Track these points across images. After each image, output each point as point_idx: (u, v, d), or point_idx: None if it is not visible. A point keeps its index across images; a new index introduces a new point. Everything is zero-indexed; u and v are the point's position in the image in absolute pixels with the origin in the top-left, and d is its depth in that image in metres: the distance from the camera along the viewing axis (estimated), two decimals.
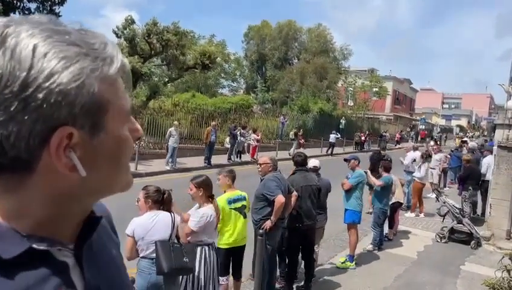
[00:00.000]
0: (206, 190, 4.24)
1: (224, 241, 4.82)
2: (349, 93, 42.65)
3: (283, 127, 25.39)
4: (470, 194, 9.86)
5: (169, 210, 3.94)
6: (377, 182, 7.57)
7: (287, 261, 5.83)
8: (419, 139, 41.32)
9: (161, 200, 3.93)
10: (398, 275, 6.68)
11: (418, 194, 10.91)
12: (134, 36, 20.18)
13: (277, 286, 5.75)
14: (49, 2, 16.06)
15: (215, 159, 16.14)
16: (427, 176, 11.50)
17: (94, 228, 0.71)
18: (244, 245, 5.06)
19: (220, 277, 4.62)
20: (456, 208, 8.76)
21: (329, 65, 38.90)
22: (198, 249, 4.19)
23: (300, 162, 5.88)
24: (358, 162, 7.17)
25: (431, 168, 12.23)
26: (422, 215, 10.81)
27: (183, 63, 21.32)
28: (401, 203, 9.05)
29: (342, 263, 6.78)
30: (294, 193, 5.36)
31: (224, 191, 4.91)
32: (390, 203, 8.16)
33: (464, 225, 8.55)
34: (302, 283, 5.85)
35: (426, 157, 11.49)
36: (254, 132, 19.71)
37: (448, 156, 15.76)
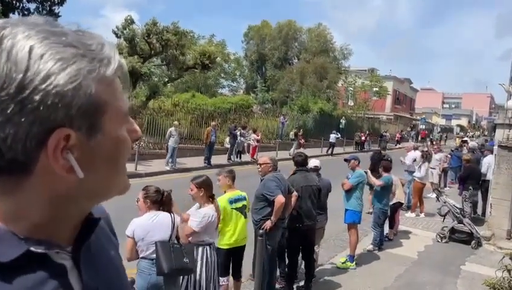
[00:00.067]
0: (207, 190, 4.24)
1: (226, 241, 4.81)
2: (350, 93, 42.67)
3: (283, 127, 25.40)
4: (470, 194, 9.85)
5: (169, 211, 3.93)
6: (376, 182, 7.56)
7: (287, 261, 5.83)
8: (419, 139, 41.34)
9: (160, 201, 3.92)
10: (399, 275, 6.67)
11: (418, 194, 10.91)
12: (134, 36, 20.19)
13: (277, 286, 5.75)
14: (49, 2, 16.07)
15: (215, 159, 16.14)
16: (427, 175, 11.49)
17: (92, 229, 0.70)
18: (245, 245, 5.05)
19: (220, 278, 4.61)
20: (457, 208, 8.75)
21: (329, 65, 38.91)
22: (200, 249, 4.19)
23: (301, 162, 5.87)
24: (359, 162, 7.17)
25: (431, 168, 12.23)
26: (422, 215, 10.80)
27: (182, 63, 21.33)
28: (402, 203, 9.05)
29: (343, 263, 6.78)
30: (295, 193, 5.35)
31: (224, 192, 4.91)
32: (392, 203, 8.16)
33: (464, 224, 8.54)
34: (303, 283, 5.85)
35: (426, 157, 11.49)
36: (254, 132, 19.71)
37: (449, 155, 15.76)
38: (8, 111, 0.55)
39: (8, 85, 0.55)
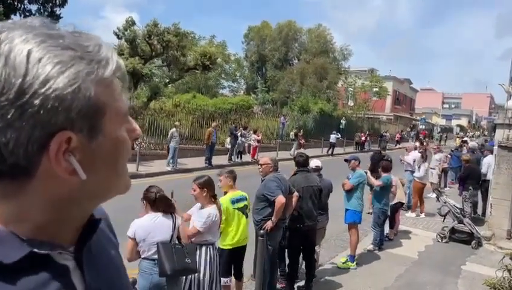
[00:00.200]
0: (209, 190, 4.25)
1: (228, 241, 4.83)
2: (350, 93, 42.67)
3: (283, 127, 25.41)
4: (471, 194, 9.87)
5: (164, 211, 3.92)
6: (376, 182, 7.58)
7: (287, 261, 5.85)
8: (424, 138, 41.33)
9: (153, 201, 3.92)
10: (399, 275, 6.69)
11: (418, 194, 10.93)
12: (135, 37, 20.21)
13: (278, 286, 5.76)
14: (50, 4, 16.09)
15: (216, 160, 16.15)
16: (427, 175, 11.51)
17: (94, 230, 0.71)
18: (246, 245, 5.07)
19: (222, 278, 4.63)
20: (457, 208, 8.77)
21: (329, 65, 38.93)
22: (203, 248, 4.20)
23: (302, 163, 5.88)
24: (359, 163, 7.18)
25: (431, 168, 12.25)
26: (422, 215, 10.81)
27: (183, 64, 21.35)
28: (403, 203, 9.07)
29: (343, 263, 6.79)
30: (296, 194, 5.37)
31: (225, 192, 4.93)
32: (392, 203, 8.18)
33: (464, 224, 8.56)
34: (303, 283, 5.86)
35: (425, 157, 11.51)
36: (254, 132, 19.73)
37: (449, 156, 15.77)
38: (9, 116, 0.55)
39: (8, 90, 0.55)
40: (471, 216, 9.19)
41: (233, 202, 4.82)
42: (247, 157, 18.67)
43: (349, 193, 6.84)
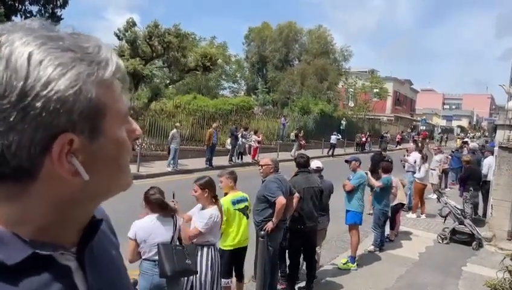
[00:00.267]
0: (210, 191, 4.25)
1: (229, 242, 4.83)
2: (350, 94, 42.67)
3: (284, 128, 25.43)
4: (471, 195, 9.86)
5: (154, 211, 3.90)
6: (376, 183, 7.58)
7: (288, 262, 5.85)
8: (419, 140, 41.28)
9: (152, 203, 3.91)
10: (400, 276, 6.69)
11: (419, 195, 10.92)
12: (135, 38, 20.25)
13: (279, 287, 5.75)
14: (51, 5, 16.11)
15: (216, 161, 16.16)
16: (428, 176, 11.51)
17: (95, 231, 0.71)
18: (246, 246, 5.07)
19: (223, 279, 4.63)
20: (458, 209, 8.76)
21: (329, 66, 38.95)
22: (205, 249, 4.20)
23: (303, 164, 5.89)
24: (360, 164, 7.19)
25: (431, 169, 12.25)
26: (423, 216, 10.81)
27: (184, 65, 21.37)
28: (404, 204, 9.06)
29: (344, 264, 6.79)
30: (296, 195, 5.37)
31: (225, 193, 4.93)
32: (393, 204, 8.18)
33: (465, 225, 8.55)
34: (304, 284, 5.86)
35: (426, 157, 11.51)
36: (255, 133, 19.74)
37: (449, 156, 15.76)
38: (11, 119, 0.55)
39: (10, 93, 0.55)
40: (472, 217, 9.19)
41: (234, 203, 4.82)
42: (247, 158, 18.67)
43: (350, 194, 6.84)
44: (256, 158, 18.12)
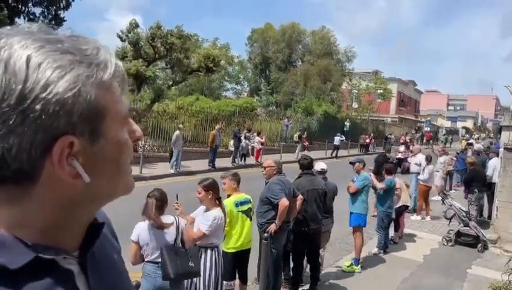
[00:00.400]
0: (214, 193, 4.25)
1: (232, 245, 4.81)
2: (354, 95, 42.60)
3: (287, 129, 25.41)
4: (476, 197, 9.80)
5: (147, 215, 3.86)
6: (379, 185, 7.53)
7: (292, 264, 5.81)
8: (424, 141, 41.19)
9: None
10: (404, 279, 6.64)
11: (423, 197, 10.86)
12: (138, 40, 20.30)
13: (282, 289, 5.72)
14: (54, 7, 16.16)
15: (219, 162, 16.15)
16: (432, 178, 11.44)
17: (98, 234, 0.71)
18: (250, 248, 5.05)
19: (225, 281, 4.61)
20: (463, 211, 8.70)
21: (333, 67, 38.85)
22: (209, 251, 4.21)
23: (306, 165, 5.86)
24: (364, 165, 7.14)
25: (435, 171, 12.18)
26: (428, 218, 10.74)
27: (187, 66, 21.41)
28: (408, 206, 9.00)
29: (348, 266, 6.75)
30: (300, 197, 5.34)
31: (228, 195, 4.91)
32: (397, 206, 8.13)
33: (470, 228, 8.49)
34: (308, 287, 5.83)
35: (430, 159, 11.45)
36: (258, 134, 19.73)
37: (454, 158, 15.67)
38: (11, 122, 0.55)
39: (9, 96, 0.55)
40: (477, 219, 9.13)
41: (237, 204, 4.80)
42: (250, 160, 18.67)
43: (354, 196, 6.80)
44: (259, 160, 18.12)
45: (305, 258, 5.84)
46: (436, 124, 60.45)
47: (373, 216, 8.56)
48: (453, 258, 7.82)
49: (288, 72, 40.04)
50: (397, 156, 18.19)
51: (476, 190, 10.20)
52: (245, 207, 4.87)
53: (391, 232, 8.29)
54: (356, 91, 41.99)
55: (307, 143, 23.90)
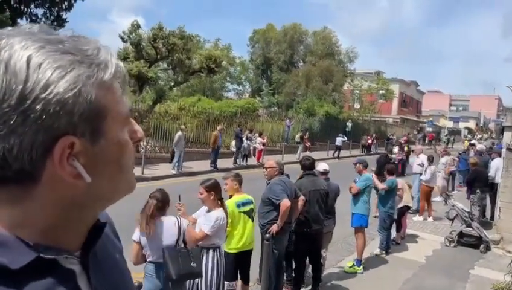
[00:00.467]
0: (216, 193, 4.25)
1: (234, 245, 4.81)
2: (356, 96, 42.56)
3: (289, 130, 25.39)
4: (479, 197, 9.77)
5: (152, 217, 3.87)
6: (380, 186, 7.52)
7: (294, 265, 5.80)
8: (426, 141, 41.11)
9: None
10: (407, 280, 6.62)
11: (425, 198, 10.83)
12: (140, 41, 20.34)
13: None
14: (56, 8, 16.19)
15: (221, 163, 16.15)
16: (434, 179, 11.42)
17: (99, 234, 0.71)
18: (252, 249, 5.04)
19: (226, 282, 4.61)
20: (465, 211, 8.68)
21: (335, 68, 38.81)
22: (210, 251, 4.21)
23: (308, 166, 5.85)
24: (367, 166, 7.13)
25: (437, 171, 12.15)
26: (430, 218, 10.72)
27: (188, 67, 21.43)
28: (409, 207, 8.98)
29: (350, 267, 6.74)
30: (302, 197, 5.33)
31: (230, 196, 4.91)
32: (399, 207, 8.11)
33: (472, 228, 8.47)
34: (310, 288, 5.82)
35: (432, 159, 11.43)
36: (260, 135, 19.72)
37: (457, 159, 15.64)
38: (12, 122, 0.55)
39: (9, 97, 0.55)
40: (480, 220, 9.10)
41: (239, 205, 4.80)
42: (252, 161, 18.65)
43: (356, 196, 6.79)
44: (261, 160, 18.11)
45: (307, 258, 5.83)
46: (439, 124, 60.35)
47: (375, 217, 8.54)
48: (455, 259, 7.80)
49: (290, 73, 40.00)
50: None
51: (478, 191, 10.17)
52: (247, 208, 4.87)
53: (393, 233, 8.27)
54: (358, 92, 41.96)
55: (308, 144, 23.86)
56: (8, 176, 0.58)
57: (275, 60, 41.43)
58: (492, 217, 10.76)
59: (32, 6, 15.69)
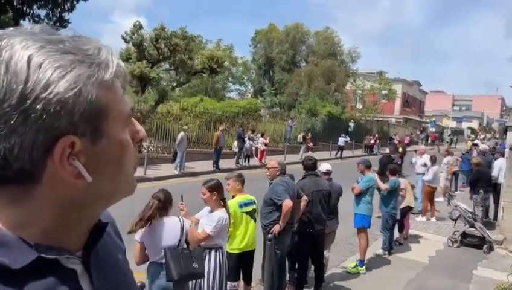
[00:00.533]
0: (218, 194, 4.24)
1: (236, 245, 4.80)
2: (358, 96, 42.52)
3: (291, 130, 25.39)
4: (482, 198, 9.73)
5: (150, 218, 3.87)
6: (382, 186, 7.51)
7: (296, 266, 5.79)
8: (429, 141, 41.02)
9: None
10: (410, 280, 6.60)
11: (428, 198, 10.81)
12: (142, 41, 20.38)
13: None
14: (59, 9, 16.25)
15: (223, 163, 16.15)
16: (437, 179, 11.39)
17: (101, 234, 0.71)
18: (254, 249, 5.04)
19: (229, 282, 4.60)
20: (468, 211, 8.65)
21: (337, 68, 38.84)
22: (213, 252, 4.20)
23: (310, 166, 5.84)
24: (370, 166, 7.11)
25: (440, 171, 12.12)
26: (433, 219, 10.69)
27: (191, 67, 21.46)
28: (411, 208, 8.95)
29: (353, 267, 6.72)
30: (304, 198, 5.32)
31: (233, 196, 4.90)
32: (401, 207, 8.09)
33: (476, 228, 8.44)
34: (312, 288, 5.80)
35: (434, 160, 11.40)
36: (262, 135, 19.71)
37: (460, 159, 15.59)
38: (12, 122, 0.55)
39: (10, 96, 0.55)
40: (483, 220, 9.06)
41: (241, 205, 4.80)
42: (254, 161, 18.66)
43: (359, 197, 6.78)
44: (263, 161, 18.11)
45: (310, 259, 5.83)
46: (441, 124, 60.19)
47: (377, 217, 8.52)
48: (458, 260, 7.77)
49: (292, 73, 40.03)
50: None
51: (481, 191, 10.14)
52: (249, 208, 4.86)
53: (396, 233, 8.25)
54: (360, 92, 41.92)
55: (311, 144, 23.85)
56: (8, 176, 0.58)
57: (277, 60, 41.47)
58: (495, 218, 10.73)
59: (34, 7, 15.76)
